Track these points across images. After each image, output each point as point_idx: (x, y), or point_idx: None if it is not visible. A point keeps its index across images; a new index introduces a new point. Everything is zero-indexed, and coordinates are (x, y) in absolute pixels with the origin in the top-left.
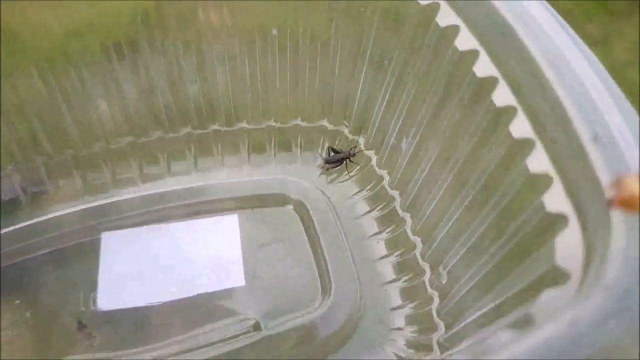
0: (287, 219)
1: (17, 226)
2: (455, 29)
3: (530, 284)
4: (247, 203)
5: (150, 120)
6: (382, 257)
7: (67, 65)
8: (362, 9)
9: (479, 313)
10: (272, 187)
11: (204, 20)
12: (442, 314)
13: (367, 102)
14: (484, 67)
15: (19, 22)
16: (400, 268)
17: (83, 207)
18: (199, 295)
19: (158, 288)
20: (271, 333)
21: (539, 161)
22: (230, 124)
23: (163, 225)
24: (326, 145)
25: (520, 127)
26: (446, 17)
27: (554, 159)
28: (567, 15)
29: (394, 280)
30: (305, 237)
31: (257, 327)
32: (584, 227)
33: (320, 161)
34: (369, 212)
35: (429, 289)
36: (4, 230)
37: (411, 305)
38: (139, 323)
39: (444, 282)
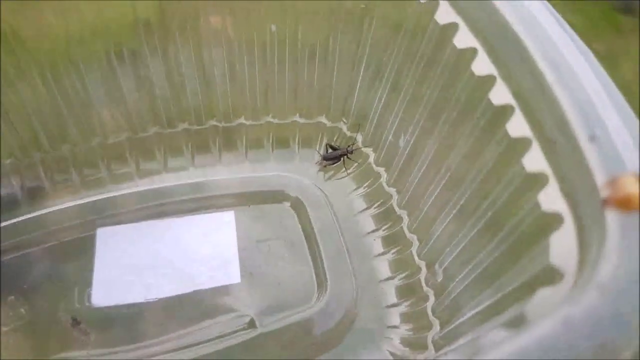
0: (284, 216)
1: (13, 221)
2: (454, 27)
3: (525, 282)
4: (245, 200)
5: (148, 116)
6: (378, 255)
7: (67, 66)
8: (363, 6)
9: (474, 311)
10: (270, 184)
11: (204, 21)
12: (438, 312)
13: (366, 99)
14: (482, 65)
15: (23, 25)
16: (397, 266)
17: (79, 202)
18: (194, 292)
19: (153, 285)
20: (266, 330)
21: (535, 160)
22: (228, 120)
23: (159, 222)
24: (324, 142)
25: (518, 126)
26: (446, 15)
27: (550, 158)
28: (573, 30)
29: (390, 278)
30: (302, 234)
31: (252, 324)
32: (579, 227)
33: (318, 158)
34: (366, 209)
35: (425, 287)
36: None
37: (407, 303)
38: (134, 320)
39: (439, 280)
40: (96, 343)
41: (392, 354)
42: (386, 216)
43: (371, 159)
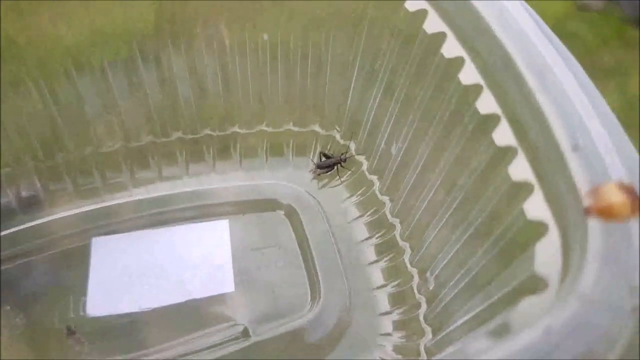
0: (278, 224)
1: (8, 231)
2: (442, 36)
3: (511, 290)
4: (239, 208)
5: (142, 125)
6: (371, 263)
7: (61, 75)
8: (353, 14)
9: (464, 318)
10: (264, 192)
11: (197, 30)
12: (430, 319)
13: (358, 107)
14: (469, 74)
15: (18, 34)
16: (390, 273)
17: (74, 212)
18: (188, 301)
19: (148, 294)
20: (260, 339)
21: (520, 169)
22: (222, 129)
23: (154, 231)
24: (318, 150)
25: (504, 135)
26: (434, 24)
27: (535, 166)
28: (582, 43)
29: (383, 286)
30: (296, 242)
31: (246, 333)
32: (563, 235)
33: (312, 166)
34: (359, 217)
35: (417, 295)
36: None
37: (399, 311)
38: (128, 329)
39: (431, 288)
40: (91, 352)
41: None
42: (379, 224)
43: (364, 167)
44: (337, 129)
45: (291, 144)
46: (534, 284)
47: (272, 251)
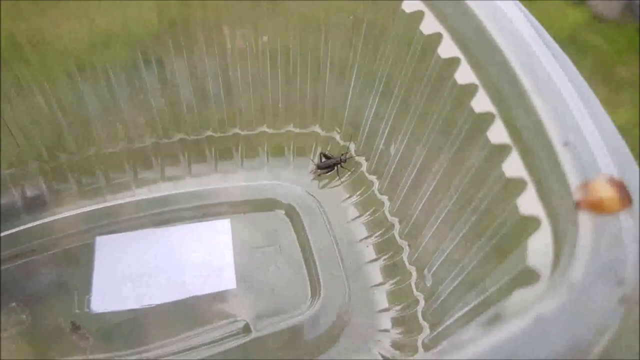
0: (278, 224)
1: (13, 230)
2: (438, 37)
3: (504, 284)
4: (240, 208)
5: (145, 127)
6: (370, 261)
7: (64, 77)
8: (351, 17)
9: (460, 313)
10: (265, 192)
11: (199, 34)
12: (427, 315)
13: (358, 108)
14: (465, 74)
15: (21, 38)
16: (388, 271)
17: (78, 211)
18: (191, 298)
19: (151, 291)
20: (260, 335)
21: (514, 166)
22: (223, 130)
23: (157, 230)
24: (318, 151)
25: (498, 133)
26: (430, 25)
27: (528, 163)
28: (597, 54)
29: (381, 284)
30: (296, 241)
31: (247, 329)
32: (555, 229)
33: (312, 167)
34: (359, 217)
35: (415, 292)
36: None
37: (398, 308)
38: (131, 325)
39: (429, 285)
40: (95, 348)
41: (382, 356)
42: (378, 223)
43: (364, 168)
44: (337, 130)
45: (292, 145)
46: (527, 277)
47: (273, 250)
